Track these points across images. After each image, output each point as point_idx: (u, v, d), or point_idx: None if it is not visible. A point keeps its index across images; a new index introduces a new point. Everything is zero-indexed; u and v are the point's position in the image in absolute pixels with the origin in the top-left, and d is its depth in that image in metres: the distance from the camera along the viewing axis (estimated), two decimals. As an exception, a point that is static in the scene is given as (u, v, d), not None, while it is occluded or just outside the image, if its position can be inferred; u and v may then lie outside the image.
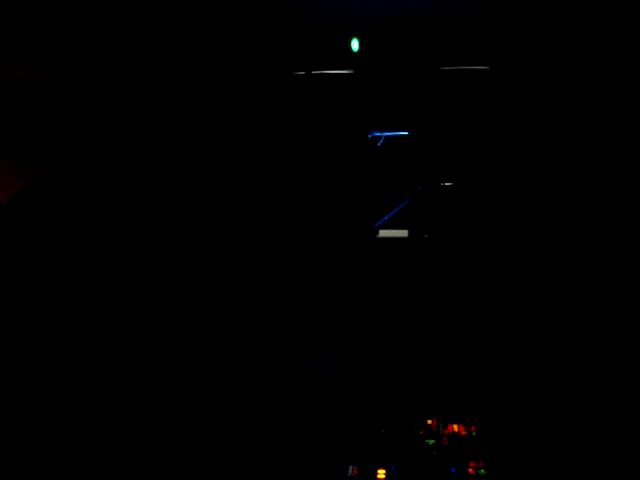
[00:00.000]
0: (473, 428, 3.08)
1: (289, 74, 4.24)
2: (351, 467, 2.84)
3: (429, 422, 3.16)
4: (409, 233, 3.95)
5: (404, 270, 3.93)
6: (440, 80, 3.91)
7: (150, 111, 4.37)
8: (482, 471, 2.81)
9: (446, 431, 3.09)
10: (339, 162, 4.16)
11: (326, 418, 3.19)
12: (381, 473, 2.81)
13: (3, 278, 2.94)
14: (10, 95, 4.52)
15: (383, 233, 3.95)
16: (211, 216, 4.22)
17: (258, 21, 3.47)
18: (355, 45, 3.47)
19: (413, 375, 3.54)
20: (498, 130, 4.05)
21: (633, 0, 3.08)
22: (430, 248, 3.95)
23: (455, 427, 3.11)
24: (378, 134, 3.76)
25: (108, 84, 4.38)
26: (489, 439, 3.01)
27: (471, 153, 4.06)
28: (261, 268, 3.79)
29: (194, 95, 4.34)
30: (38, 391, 2.80)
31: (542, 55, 3.83)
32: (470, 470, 2.82)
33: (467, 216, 4.02)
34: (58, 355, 2.89)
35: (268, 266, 3.81)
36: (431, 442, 3.01)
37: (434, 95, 3.74)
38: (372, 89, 3.56)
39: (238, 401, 3.11)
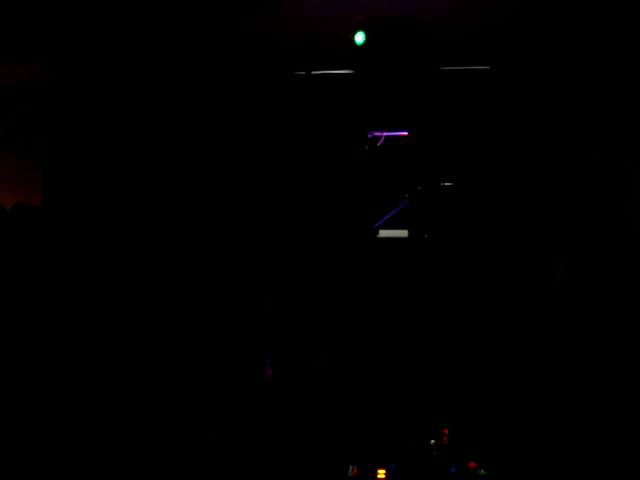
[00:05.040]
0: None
1: (289, 74, 4.24)
2: (351, 467, 2.84)
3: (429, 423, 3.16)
4: (409, 233, 3.95)
5: (404, 270, 3.93)
6: (440, 80, 3.91)
7: (150, 111, 4.37)
8: (482, 471, 2.81)
9: (446, 431, 3.09)
10: (339, 162, 4.16)
11: (326, 418, 3.19)
12: (381, 473, 2.81)
13: (7, 278, 2.94)
14: (10, 95, 4.52)
15: (383, 233, 3.95)
16: (211, 218, 4.22)
17: (258, 21, 3.48)
18: (359, 38, 3.42)
19: (413, 375, 3.54)
20: (498, 130, 4.05)
21: (633, 0, 3.09)
22: (430, 248, 3.95)
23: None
24: (378, 134, 3.75)
25: (111, 85, 4.38)
26: (489, 440, 3.01)
27: (471, 153, 4.06)
28: (260, 268, 3.79)
29: (194, 95, 4.34)
30: (38, 390, 2.80)
31: (542, 55, 3.83)
32: (470, 470, 2.83)
33: (467, 216, 4.02)
34: (59, 354, 2.89)
35: (267, 266, 3.81)
36: (431, 442, 3.01)
37: (434, 95, 3.74)
38: (372, 89, 3.56)
39: (240, 402, 3.11)
